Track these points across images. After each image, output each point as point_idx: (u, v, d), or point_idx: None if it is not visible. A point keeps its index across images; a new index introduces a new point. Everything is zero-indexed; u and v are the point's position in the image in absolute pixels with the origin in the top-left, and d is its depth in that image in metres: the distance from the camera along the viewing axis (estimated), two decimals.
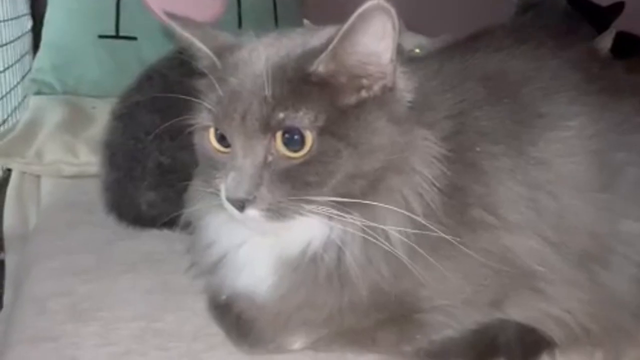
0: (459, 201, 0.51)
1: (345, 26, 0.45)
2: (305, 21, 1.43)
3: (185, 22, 0.52)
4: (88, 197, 0.83)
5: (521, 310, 0.53)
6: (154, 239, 0.73)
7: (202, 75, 0.51)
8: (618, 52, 1.31)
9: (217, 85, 0.48)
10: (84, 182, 0.90)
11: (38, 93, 1.24)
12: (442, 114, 0.52)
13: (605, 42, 1.28)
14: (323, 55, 0.45)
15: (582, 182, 0.55)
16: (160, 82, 0.79)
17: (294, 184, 0.45)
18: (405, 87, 0.50)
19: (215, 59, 0.50)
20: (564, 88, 0.58)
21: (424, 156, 0.48)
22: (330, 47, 0.45)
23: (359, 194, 0.46)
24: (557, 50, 0.62)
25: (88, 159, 0.93)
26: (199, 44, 0.50)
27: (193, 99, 0.52)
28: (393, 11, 0.44)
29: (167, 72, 0.80)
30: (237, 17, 1.36)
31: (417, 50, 1.79)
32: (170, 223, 0.75)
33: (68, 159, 0.94)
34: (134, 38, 1.28)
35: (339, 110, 0.46)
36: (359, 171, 0.46)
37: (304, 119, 0.45)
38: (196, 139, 0.51)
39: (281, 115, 0.45)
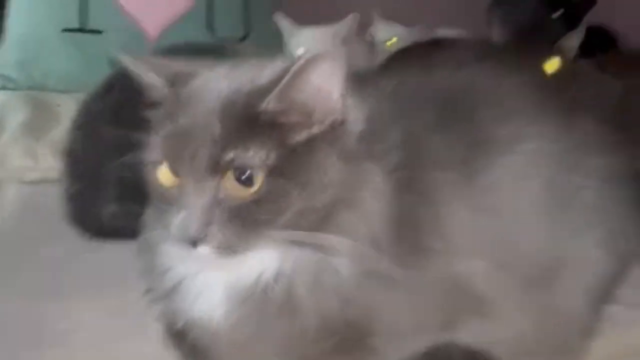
0: (410, 229, 0.51)
1: (293, 69, 0.45)
2: (278, 14, 1.41)
3: (135, 56, 0.51)
4: (51, 206, 0.82)
5: (471, 334, 0.54)
6: (117, 253, 0.73)
7: (152, 105, 0.51)
8: (591, 48, 1.33)
9: (167, 120, 0.47)
10: (47, 188, 0.88)
11: (2, 88, 1.22)
12: (394, 142, 0.53)
13: (574, 40, 1.29)
14: (272, 95, 0.45)
15: (534, 207, 0.56)
16: (121, 93, 0.78)
17: (244, 222, 0.46)
18: (355, 118, 0.50)
19: (167, 89, 0.49)
20: (521, 110, 0.58)
21: (374, 191, 0.49)
22: (279, 87, 0.45)
23: (309, 228, 0.47)
24: (516, 68, 0.63)
25: (50, 163, 0.92)
26: (151, 74, 0.50)
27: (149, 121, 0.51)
28: (341, 57, 0.45)
29: (129, 82, 0.79)
30: (206, 11, 1.34)
31: (393, 40, 1.79)
32: (133, 235, 0.75)
33: (29, 163, 0.92)
34: (100, 32, 1.26)
35: (289, 148, 0.46)
36: (309, 208, 0.46)
37: (255, 158, 0.45)
38: (147, 171, 0.51)
39: (231, 155, 0.45)
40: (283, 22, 1.43)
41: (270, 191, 0.45)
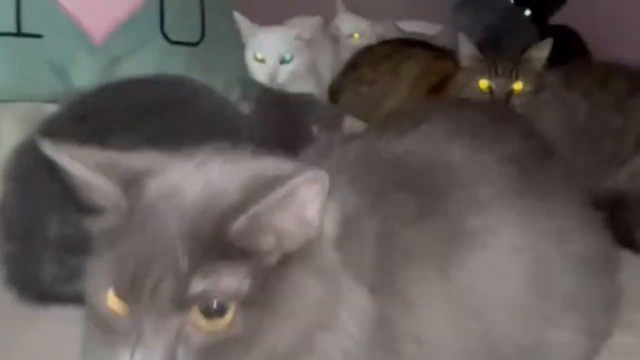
0: (385, 335, 0.47)
1: (274, 196, 0.39)
2: (236, 14, 1.32)
3: (72, 149, 0.43)
4: None
5: None
6: (61, 322, 0.66)
7: (95, 211, 0.44)
8: (558, 50, 1.30)
9: (118, 238, 0.41)
10: None
11: None
12: (368, 241, 0.48)
13: (543, 51, 1.26)
14: (245, 216, 0.39)
15: (512, 301, 0.53)
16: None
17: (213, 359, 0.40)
18: (331, 222, 0.45)
19: (121, 196, 0.42)
20: (495, 195, 0.54)
21: (351, 310, 0.44)
22: (254, 209, 0.39)
23: (283, 357, 0.42)
24: (492, 143, 0.58)
25: None
26: (99, 178, 0.42)
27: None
28: (326, 177, 0.40)
29: (66, 131, 0.71)
30: (158, 10, 1.24)
31: (356, 36, 1.72)
32: (78, 300, 0.68)
33: None
34: (39, 36, 1.14)
35: (262, 273, 0.40)
36: (284, 336, 0.41)
37: (226, 289, 0.39)
38: (87, 295, 0.44)
39: (200, 287, 0.39)
40: (242, 22, 1.34)
41: (242, 323, 0.40)
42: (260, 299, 0.40)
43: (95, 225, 0.44)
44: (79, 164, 0.43)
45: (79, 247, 0.68)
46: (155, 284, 0.39)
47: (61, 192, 0.68)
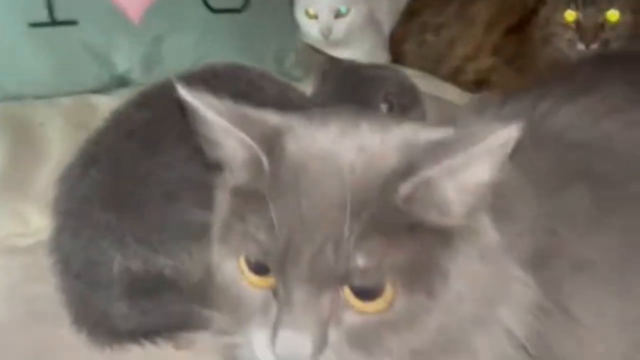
0: (541, 350, 0.40)
1: (459, 157, 0.34)
2: None
3: (208, 98, 0.39)
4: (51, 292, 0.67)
5: None
6: None
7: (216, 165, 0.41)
8: None
9: (260, 203, 0.36)
10: (43, 258, 0.73)
11: None
12: (529, 230, 0.41)
13: None
14: (413, 181, 0.35)
15: None
16: (109, 168, 0.61)
17: (367, 346, 0.36)
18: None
19: (260, 153, 0.38)
20: None
21: (516, 307, 0.38)
22: (423, 175, 0.35)
23: (434, 355, 0.37)
24: None
25: (44, 223, 0.76)
26: (237, 132, 0.38)
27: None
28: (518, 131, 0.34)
29: (118, 149, 0.62)
30: None
31: None
32: (151, 335, 0.62)
33: (19, 229, 0.77)
34: (74, 22, 1.05)
35: (425, 250, 0.36)
36: (443, 330, 0.36)
37: (389, 266, 0.35)
38: (215, 265, 0.40)
39: (362, 261, 0.35)
40: None
41: (400, 305, 0.35)
42: (422, 279, 0.36)
43: (219, 183, 0.41)
44: (216, 114, 0.38)
45: (148, 282, 0.62)
46: (314, 253, 0.35)
47: (120, 223, 0.61)
